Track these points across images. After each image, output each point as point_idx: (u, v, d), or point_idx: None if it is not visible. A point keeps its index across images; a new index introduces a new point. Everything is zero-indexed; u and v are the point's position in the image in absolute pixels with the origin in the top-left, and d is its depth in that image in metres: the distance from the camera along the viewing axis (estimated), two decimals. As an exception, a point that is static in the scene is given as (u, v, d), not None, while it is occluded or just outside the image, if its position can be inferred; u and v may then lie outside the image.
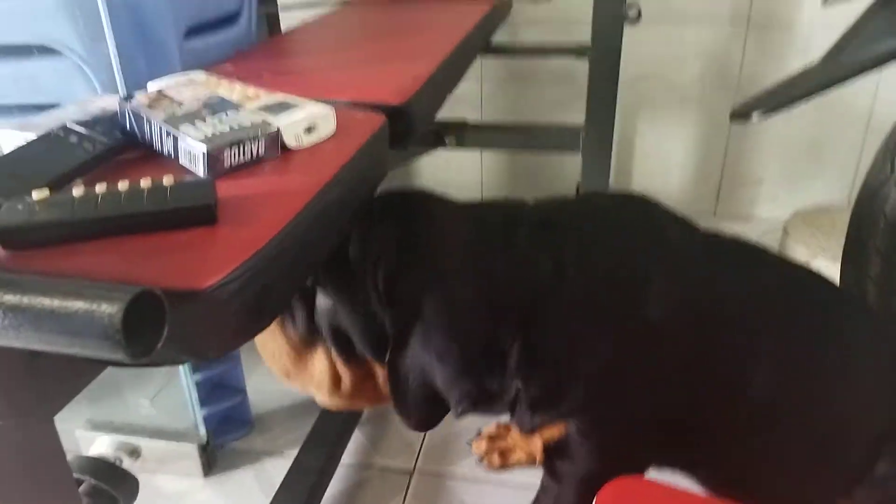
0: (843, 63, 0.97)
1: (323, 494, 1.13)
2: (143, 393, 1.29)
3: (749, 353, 0.79)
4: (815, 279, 0.88)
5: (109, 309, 0.34)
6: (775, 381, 0.80)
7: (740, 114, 1.01)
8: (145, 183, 0.55)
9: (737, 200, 2.04)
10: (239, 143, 0.64)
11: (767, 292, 0.83)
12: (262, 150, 0.66)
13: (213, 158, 0.62)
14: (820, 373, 0.82)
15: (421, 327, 0.74)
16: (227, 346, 0.53)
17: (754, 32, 1.84)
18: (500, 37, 1.73)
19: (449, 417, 1.31)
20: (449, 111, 1.83)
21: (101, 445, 1.21)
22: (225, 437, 1.28)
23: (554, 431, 0.83)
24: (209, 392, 1.26)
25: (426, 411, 0.79)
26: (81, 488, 0.65)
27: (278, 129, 0.67)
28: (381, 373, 0.82)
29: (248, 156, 0.65)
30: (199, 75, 0.83)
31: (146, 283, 0.47)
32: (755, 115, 0.99)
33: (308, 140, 0.71)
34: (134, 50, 1.00)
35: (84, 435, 1.22)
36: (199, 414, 1.19)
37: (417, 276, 0.76)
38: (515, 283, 0.77)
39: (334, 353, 0.81)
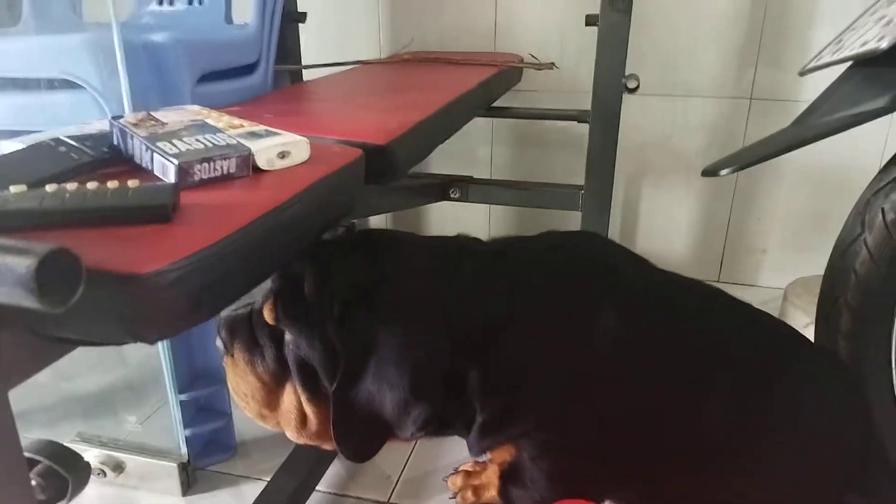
0: (810, 126, 1.00)
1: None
2: (133, 412, 1.34)
3: (699, 390, 0.81)
4: (776, 324, 0.90)
5: (27, 261, 0.39)
6: (726, 420, 0.81)
7: (710, 171, 1.04)
8: (112, 184, 0.61)
9: (740, 268, 2.04)
10: (210, 159, 0.70)
11: (722, 332, 0.85)
12: (232, 169, 0.73)
13: (182, 171, 0.68)
14: (774, 415, 0.83)
15: (374, 355, 0.77)
16: (165, 331, 0.58)
17: (757, 106, 1.89)
18: (508, 101, 1.82)
19: (429, 453, 1.33)
20: (459, 168, 1.91)
21: (88, 458, 1.25)
22: (208, 460, 1.31)
23: (505, 454, 0.85)
24: (195, 414, 1.30)
25: (366, 441, 0.81)
26: (34, 469, 0.69)
27: (250, 151, 0.74)
28: None
29: (218, 172, 0.71)
30: (193, 107, 0.91)
31: (93, 266, 0.53)
32: (723, 171, 1.03)
33: (280, 164, 0.78)
34: (148, 88, 1.09)
35: (73, 447, 1.26)
36: (182, 433, 1.23)
37: (370, 305, 0.79)
38: (470, 311, 0.81)
39: (300, 389, 0.83)
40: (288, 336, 0.82)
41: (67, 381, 1.51)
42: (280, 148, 0.78)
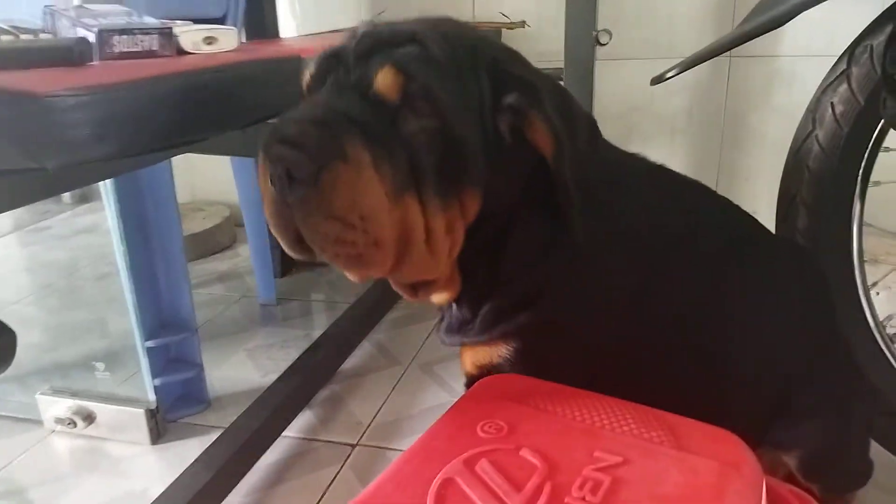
0: (754, 22, 1.00)
1: (258, 457, 1.14)
2: (104, 362, 1.34)
3: (687, 292, 0.79)
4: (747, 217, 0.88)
5: None
6: (706, 317, 0.79)
7: (657, 79, 1.05)
8: (26, 36, 0.63)
9: (728, 229, 2.02)
10: (130, 31, 0.72)
11: (708, 233, 0.83)
12: (154, 46, 0.74)
13: (102, 39, 0.70)
14: (745, 308, 0.81)
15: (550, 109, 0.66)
16: (64, 157, 0.58)
17: (737, 64, 1.88)
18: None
19: (402, 399, 1.31)
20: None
21: (58, 409, 1.26)
22: (180, 412, 1.31)
23: (487, 355, 0.78)
24: (165, 364, 1.30)
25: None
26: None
27: (171, 29, 0.76)
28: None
29: (139, 47, 0.73)
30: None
31: (9, 88, 0.55)
32: (669, 74, 1.03)
33: (207, 49, 0.80)
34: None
35: (44, 399, 1.27)
36: (149, 380, 1.23)
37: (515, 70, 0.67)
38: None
39: (429, 196, 0.63)
40: (413, 123, 0.61)
41: (51, 351, 1.52)
42: (206, 32, 0.79)
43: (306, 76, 0.67)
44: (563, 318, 0.75)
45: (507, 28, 1.77)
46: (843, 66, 0.99)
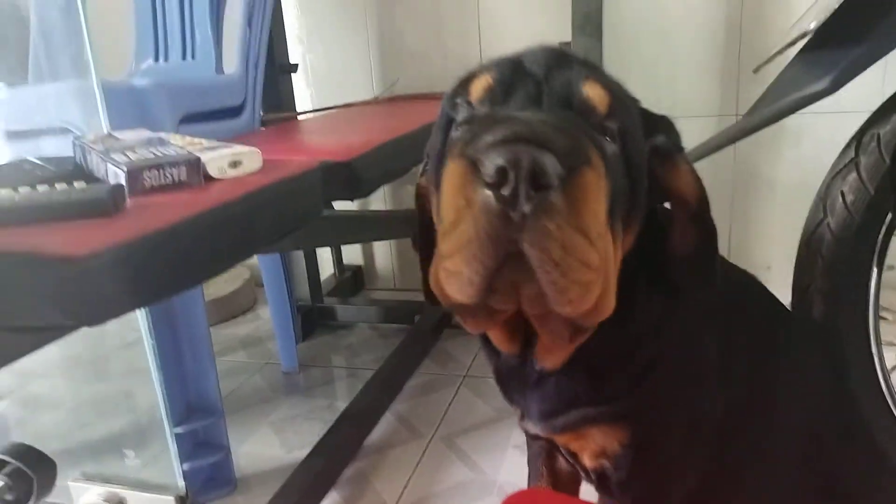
0: (758, 114, 1.02)
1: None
2: (134, 448, 1.37)
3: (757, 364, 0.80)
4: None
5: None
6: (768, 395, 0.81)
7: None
8: (60, 186, 0.66)
9: (745, 283, 2.02)
10: (158, 166, 0.75)
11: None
12: (183, 176, 0.77)
13: (132, 177, 0.73)
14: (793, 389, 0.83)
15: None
16: (102, 314, 0.61)
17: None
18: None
19: (429, 478, 1.30)
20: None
21: (90, 496, 1.28)
22: (209, 495, 1.33)
23: (609, 439, 0.73)
24: (193, 448, 1.32)
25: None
26: (2, 470, 0.72)
27: (199, 159, 0.79)
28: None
29: (168, 179, 0.76)
30: (162, 134, 0.97)
31: (35, 250, 0.57)
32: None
33: (232, 173, 0.83)
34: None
35: (76, 486, 1.29)
36: (178, 466, 1.25)
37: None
38: None
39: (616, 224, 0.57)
40: (612, 148, 0.57)
41: (80, 428, 1.55)
42: (231, 157, 0.82)
43: (482, 85, 0.60)
44: (683, 391, 0.73)
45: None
46: (852, 153, 1.01)
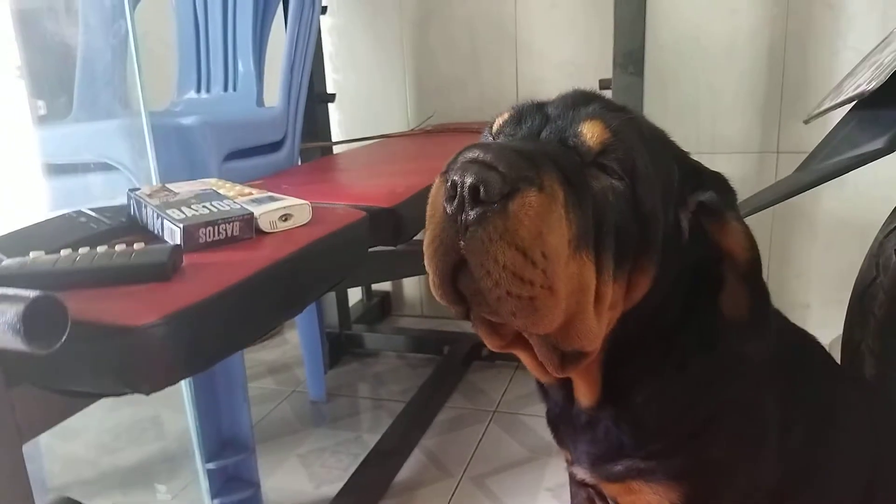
0: (812, 171, 1.01)
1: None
2: (166, 483, 1.37)
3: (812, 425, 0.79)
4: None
5: (15, 307, 0.43)
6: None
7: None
8: (119, 247, 0.67)
9: (783, 324, 1.99)
10: (214, 223, 0.75)
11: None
12: (236, 231, 0.77)
13: (188, 234, 0.73)
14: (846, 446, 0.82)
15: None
16: (160, 382, 0.61)
17: (785, 160, 1.88)
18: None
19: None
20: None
21: (120, 529, 1.28)
22: (237, 531, 1.33)
23: (656, 499, 0.72)
24: (223, 484, 1.32)
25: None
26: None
27: (252, 214, 0.79)
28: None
29: (222, 235, 0.76)
30: (210, 179, 0.98)
31: (95, 319, 0.57)
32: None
33: (283, 226, 0.83)
34: (178, 167, 1.17)
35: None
36: (209, 502, 1.25)
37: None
38: None
39: (607, 262, 0.58)
40: (603, 180, 0.58)
41: (109, 454, 1.56)
42: (282, 211, 0.82)
43: (501, 119, 0.65)
44: (741, 454, 0.72)
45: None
46: (906, 213, 0.99)
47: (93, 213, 0.79)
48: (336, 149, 1.86)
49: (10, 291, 0.45)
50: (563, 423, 0.78)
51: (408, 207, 1.04)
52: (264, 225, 0.81)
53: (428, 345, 1.99)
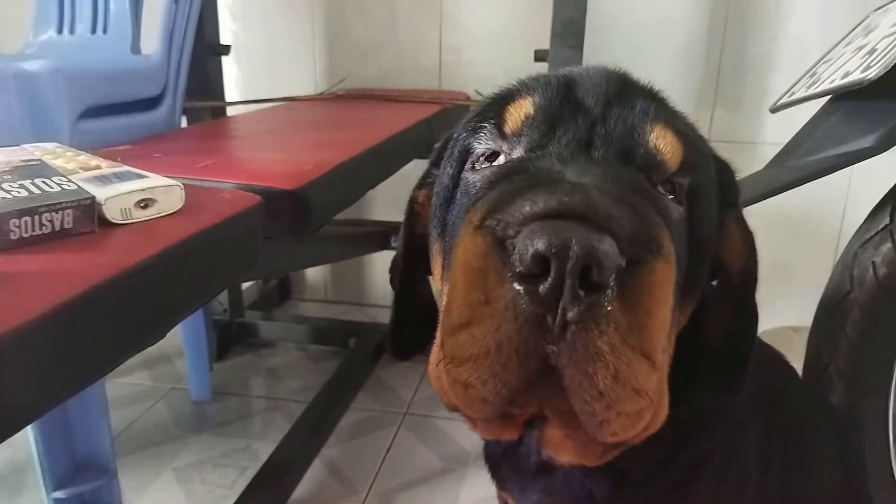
0: (791, 168, 0.88)
1: None
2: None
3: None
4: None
5: None
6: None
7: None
8: None
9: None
10: (33, 211, 0.52)
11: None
12: (68, 223, 0.55)
13: (-8, 227, 0.50)
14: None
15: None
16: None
17: (721, 150, 1.79)
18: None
19: None
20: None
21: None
22: (93, 571, 1.09)
23: None
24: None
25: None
26: None
27: (93, 199, 0.56)
28: None
29: (46, 228, 0.54)
30: (46, 145, 0.74)
31: None
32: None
33: (142, 215, 0.60)
34: (21, 123, 0.91)
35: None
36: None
37: None
38: None
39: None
40: (678, 213, 0.45)
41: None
42: (139, 195, 0.60)
43: (521, 113, 0.47)
44: (728, 495, 0.61)
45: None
46: (885, 220, 0.88)
47: None
48: (230, 111, 1.60)
49: None
50: (507, 462, 0.62)
51: (316, 190, 0.84)
52: (113, 214, 0.58)
53: (332, 336, 1.79)
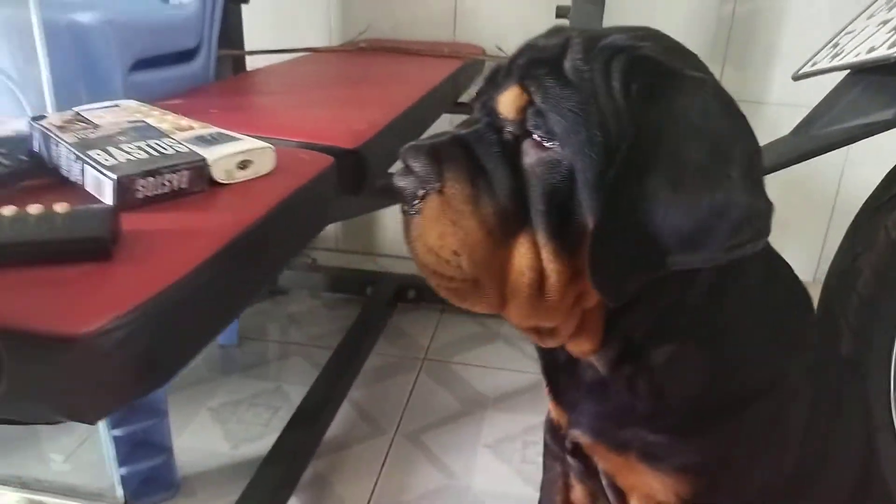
0: (813, 137, 0.94)
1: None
2: (58, 447, 1.18)
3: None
4: None
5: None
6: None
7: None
8: (35, 209, 0.48)
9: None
10: (156, 172, 0.57)
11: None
12: (184, 183, 0.60)
13: (122, 188, 0.55)
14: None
15: (674, 122, 0.51)
16: (109, 407, 0.45)
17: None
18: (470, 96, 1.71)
19: (397, 484, 1.22)
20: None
21: (5, 501, 1.09)
22: (146, 500, 1.17)
23: (660, 490, 0.65)
24: (131, 450, 1.14)
25: (630, 275, 0.54)
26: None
27: (205, 161, 0.61)
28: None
29: (166, 188, 0.58)
30: (129, 103, 0.77)
31: (15, 323, 0.40)
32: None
33: (241, 176, 0.65)
34: (73, 77, 0.94)
35: (-14, 490, 1.10)
36: (117, 473, 1.08)
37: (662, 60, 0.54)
38: None
39: (544, 235, 0.54)
40: (532, 155, 0.54)
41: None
42: (240, 157, 0.65)
43: (477, 85, 0.62)
44: (766, 451, 0.66)
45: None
46: (898, 186, 0.95)
47: (-21, 148, 0.58)
48: (251, 62, 1.62)
49: None
50: (564, 376, 0.70)
51: (372, 148, 0.88)
52: (218, 174, 0.63)
53: (347, 284, 1.85)
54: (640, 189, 0.49)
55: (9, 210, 0.47)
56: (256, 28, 1.90)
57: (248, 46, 1.61)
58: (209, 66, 1.27)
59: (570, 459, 0.77)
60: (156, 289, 0.46)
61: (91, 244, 0.46)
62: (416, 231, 0.55)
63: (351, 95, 1.16)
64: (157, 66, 1.12)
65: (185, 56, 1.22)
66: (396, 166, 0.57)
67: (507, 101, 0.55)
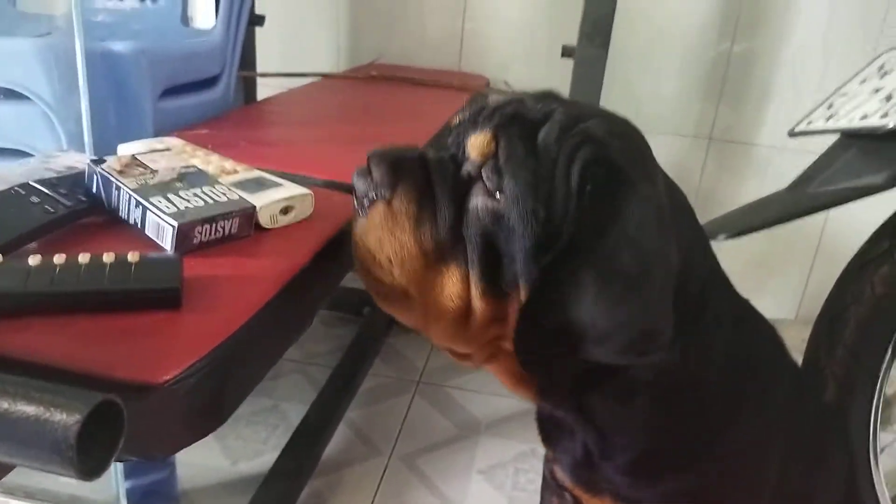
0: (810, 195, 1.00)
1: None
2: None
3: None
4: None
5: (65, 419, 0.30)
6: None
7: (707, 234, 1.03)
8: (108, 258, 0.51)
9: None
10: (211, 220, 0.61)
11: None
12: (234, 229, 0.64)
13: (182, 234, 0.59)
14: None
15: (616, 229, 0.55)
16: (178, 446, 0.49)
17: (715, 147, 1.91)
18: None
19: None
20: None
21: (9, 515, 1.11)
22: (147, 514, 1.19)
23: None
24: (136, 463, 1.17)
25: (552, 353, 0.59)
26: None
27: (254, 208, 0.65)
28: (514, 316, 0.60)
29: (219, 233, 0.62)
30: (174, 142, 0.81)
31: (99, 372, 0.43)
32: (720, 237, 1.01)
33: (283, 221, 0.69)
34: (106, 105, 0.97)
35: (-7, 501, 1.12)
36: (122, 486, 1.11)
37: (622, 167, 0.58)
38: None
39: (475, 278, 0.58)
40: (480, 199, 0.58)
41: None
42: (283, 203, 0.69)
43: (458, 116, 0.66)
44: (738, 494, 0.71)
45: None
46: (886, 243, 1.01)
47: (45, 190, 0.61)
48: (262, 89, 1.65)
49: (46, 388, 0.31)
50: (550, 425, 0.75)
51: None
52: (263, 220, 0.67)
53: (345, 303, 1.88)
54: (573, 280, 0.54)
55: (84, 257, 0.51)
56: (265, 48, 1.94)
57: (260, 69, 1.66)
58: (229, 92, 1.31)
59: (566, 495, 0.82)
60: (222, 336, 0.49)
61: (165, 294, 0.50)
62: (359, 229, 0.60)
63: (371, 132, 1.20)
64: (182, 93, 1.16)
65: (209, 83, 1.25)
66: (359, 165, 0.62)
67: (476, 144, 0.59)
